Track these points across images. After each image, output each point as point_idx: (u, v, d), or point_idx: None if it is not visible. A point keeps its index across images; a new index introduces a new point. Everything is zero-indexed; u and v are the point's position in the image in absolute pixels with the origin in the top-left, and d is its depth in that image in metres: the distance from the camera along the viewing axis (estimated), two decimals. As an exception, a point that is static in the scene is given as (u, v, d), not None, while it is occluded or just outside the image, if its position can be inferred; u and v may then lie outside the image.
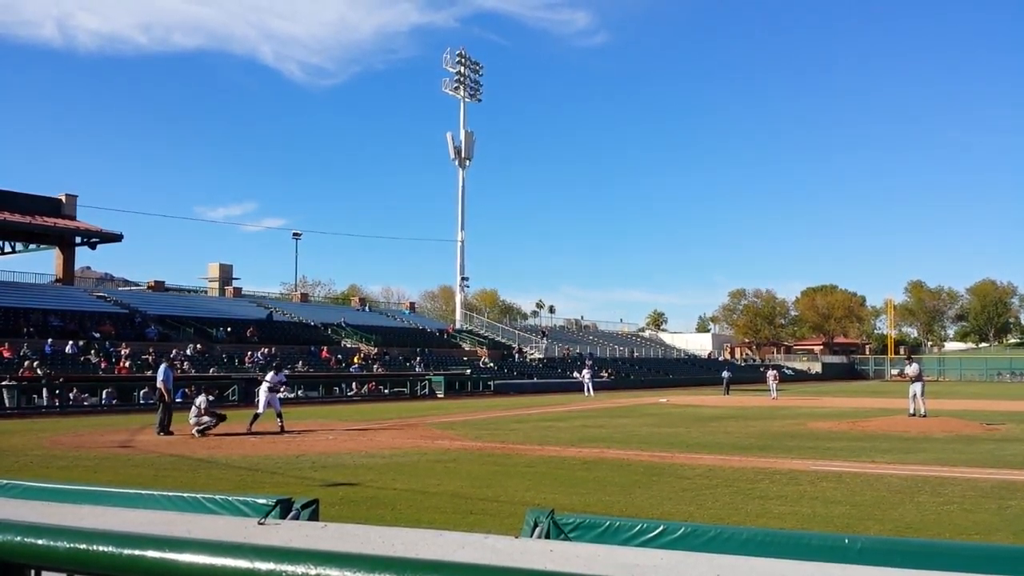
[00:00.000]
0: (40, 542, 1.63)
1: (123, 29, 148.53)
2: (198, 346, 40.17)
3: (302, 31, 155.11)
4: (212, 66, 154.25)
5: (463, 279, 73.40)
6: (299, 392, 36.85)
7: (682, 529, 3.11)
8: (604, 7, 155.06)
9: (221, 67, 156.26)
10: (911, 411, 22.67)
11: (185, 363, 36.13)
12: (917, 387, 22.98)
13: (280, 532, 3.05)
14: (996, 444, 16.74)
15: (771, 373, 43.32)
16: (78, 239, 47.53)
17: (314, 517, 3.51)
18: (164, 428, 18.63)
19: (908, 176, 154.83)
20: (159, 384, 19.33)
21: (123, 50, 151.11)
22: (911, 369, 23.83)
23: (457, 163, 73.25)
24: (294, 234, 70.89)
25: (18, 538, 1.64)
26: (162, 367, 19.85)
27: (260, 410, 19.73)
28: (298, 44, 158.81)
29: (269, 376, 20.54)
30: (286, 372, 22.18)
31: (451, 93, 72.81)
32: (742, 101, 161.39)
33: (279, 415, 19.63)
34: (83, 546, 1.59)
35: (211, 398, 22.42)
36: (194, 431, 18.30)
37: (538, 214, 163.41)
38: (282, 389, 21.90)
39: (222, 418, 18.97)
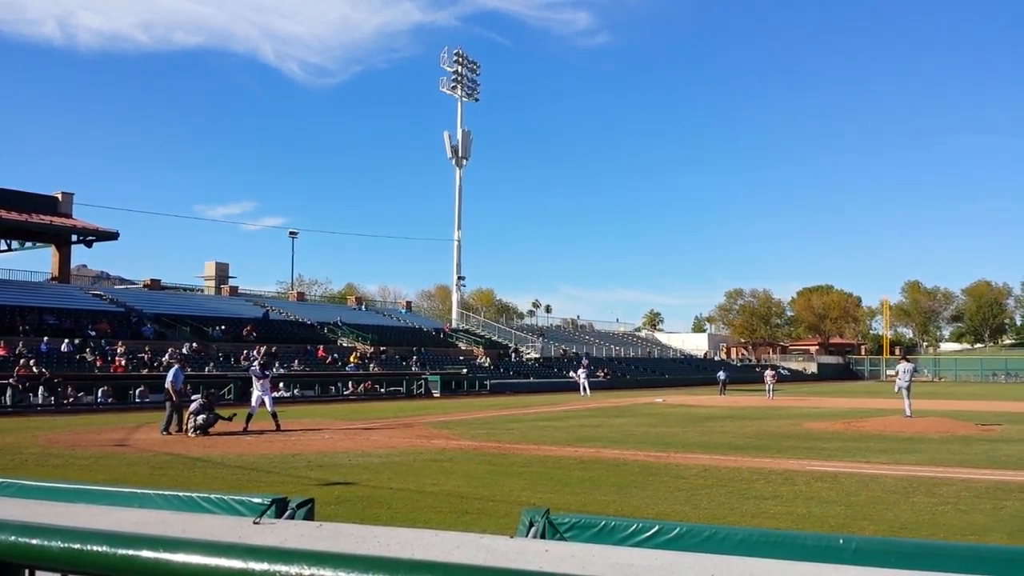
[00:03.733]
0: (35, 541, 1.62)
1: (124, 28, 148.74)
2: (194, 344, 40.12)
3: (304, 31, 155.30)
4: (213, 65, 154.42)
5: (460, 278, 73.34)
6: (295, 391, 36.83)
7: (677, 529, 3.12)
8: (605, 7, 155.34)
9: (222, 66, 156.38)
10: (907, 412, 22.80)
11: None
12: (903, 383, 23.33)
13: (275, 531, 3.05)
14: (991, 445, 16.77)
15: (768, 373, 43.38)
16: (74, 237, 47.39)
17: (309, 516, 3.51)
18: (167, 427, 18.67)
19: (905, 176, 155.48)
20: (167, 384, 19.41)
21: (124, 48, 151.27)
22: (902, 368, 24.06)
23: (454, 162, 73.18)
24: (290, 233, 70.80)
25: (12, 537, 1.64)
26: (173, 368, 19.99)
27: (254, 406, 19.73)
28: (300, 43, 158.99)
29: (256, 365, 20.68)
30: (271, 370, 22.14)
31: (448, 92, 72.73)
32: (739, 102, 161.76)
33: (274, 414, 19.61)
34: (78, 546, 1.59)
35: (208, 397, 22.34)
36: (190, 430, 18.28)
37: (535, 214, 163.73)
38: (269, 375, 21.59)
39: (219, 417, 18.95)
